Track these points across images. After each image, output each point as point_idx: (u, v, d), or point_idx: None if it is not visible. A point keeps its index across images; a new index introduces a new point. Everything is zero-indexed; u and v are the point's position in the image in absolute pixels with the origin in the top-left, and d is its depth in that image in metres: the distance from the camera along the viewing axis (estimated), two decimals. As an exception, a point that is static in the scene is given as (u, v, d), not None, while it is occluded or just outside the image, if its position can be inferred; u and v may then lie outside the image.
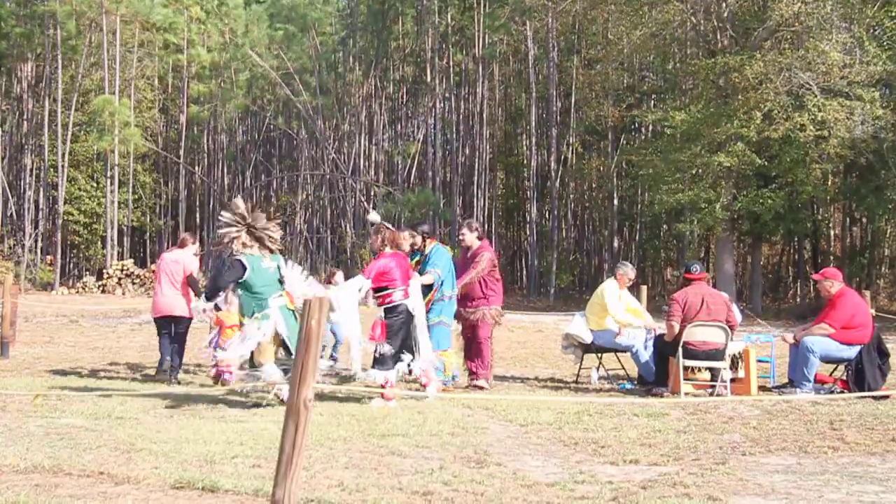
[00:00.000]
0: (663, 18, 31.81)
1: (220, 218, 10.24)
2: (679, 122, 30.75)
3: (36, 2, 41.76)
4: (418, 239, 11.50)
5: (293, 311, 9.74)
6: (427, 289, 10.97)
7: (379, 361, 9.98)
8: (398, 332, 10.00)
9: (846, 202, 39.67)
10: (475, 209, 44.42)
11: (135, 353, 15.91)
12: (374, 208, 44.85)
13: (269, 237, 10.01)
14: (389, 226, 10.39)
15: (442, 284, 11.17)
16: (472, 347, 11.72)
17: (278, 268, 9.96)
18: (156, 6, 41.04)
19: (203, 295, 10.34)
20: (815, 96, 28.41)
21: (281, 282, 9.94)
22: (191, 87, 45.61)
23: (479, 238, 12.03)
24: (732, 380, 11.18)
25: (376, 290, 10.10)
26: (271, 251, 10.06)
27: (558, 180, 43.54)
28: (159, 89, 49.19)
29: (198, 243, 12.66)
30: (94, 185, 44.29)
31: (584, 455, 7.46)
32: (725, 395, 10.75)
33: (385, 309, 10.06)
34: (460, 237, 12.14)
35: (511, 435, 8.39)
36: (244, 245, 9.84)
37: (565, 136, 45.08)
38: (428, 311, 10.82)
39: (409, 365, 10.11)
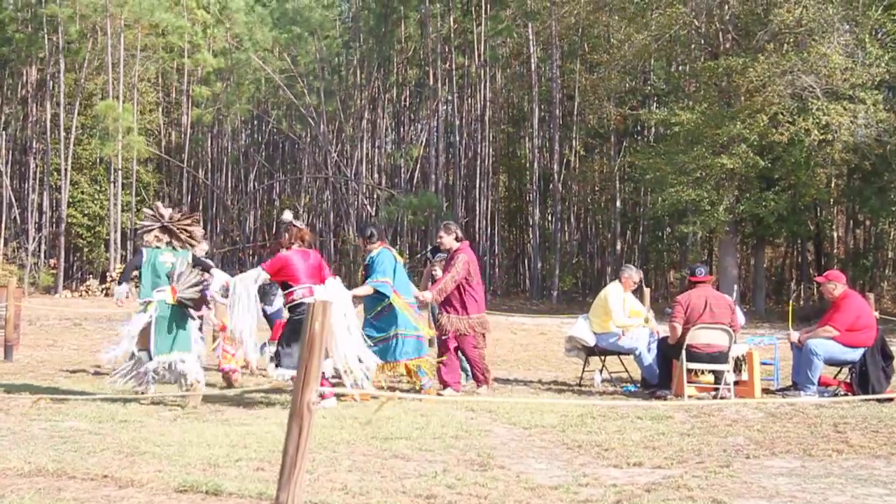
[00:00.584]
0: (665, 21, 31.82)
1: (143, 214, 11.17)
2: (684, 120, 30.74)
3: (38, 5, 41.70)
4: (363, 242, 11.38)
5: (173, 305, 10.35)
6: (379, 297, 10.87)
7: (279, 360, 9.98)
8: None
9: (849, 204, 39.67)
10: (478, 212, 44.43)
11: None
12: (376, 211, 44.95)
13: (183, 230, 10.76)
14: (298, 223, 10.50)
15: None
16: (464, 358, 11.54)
17: (174, 265, 10.53)
18: (158, 10, 41.03)
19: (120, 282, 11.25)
20: (818, 99, 28.41)
21: (171, 277, 10.47)
22: (194, 91, 45.65)
23: (458, 240, 11.55)
24: (736, 382, 11.18)
25: (282, 286, 10.25)
26: (187, 246, 10.80)
27: (561, 183, 43.55)
28: (162, 92, 49.21)
29: (207, 243, 12.58)
30: (97, 188, 44.30)
31: (588, 458, 7.46)
32: (729, 398, 10.75)
33: (288, 307, 10.16)
34: (438, 240, 11.92)
35: (514, 438, 8.38)
36: (156, 238, 10.65)
37: (568, 138, 45.08)
38: (378, 321, 10.87)
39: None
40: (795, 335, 11.44)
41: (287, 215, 10.77)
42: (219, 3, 45.45)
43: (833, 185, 34.45)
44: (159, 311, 10.28)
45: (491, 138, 46.61)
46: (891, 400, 10.43)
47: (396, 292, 10.82)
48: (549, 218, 46.01)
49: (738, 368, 11.32)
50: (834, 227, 42.21)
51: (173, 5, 42.80)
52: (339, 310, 9.78)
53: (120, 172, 41.42)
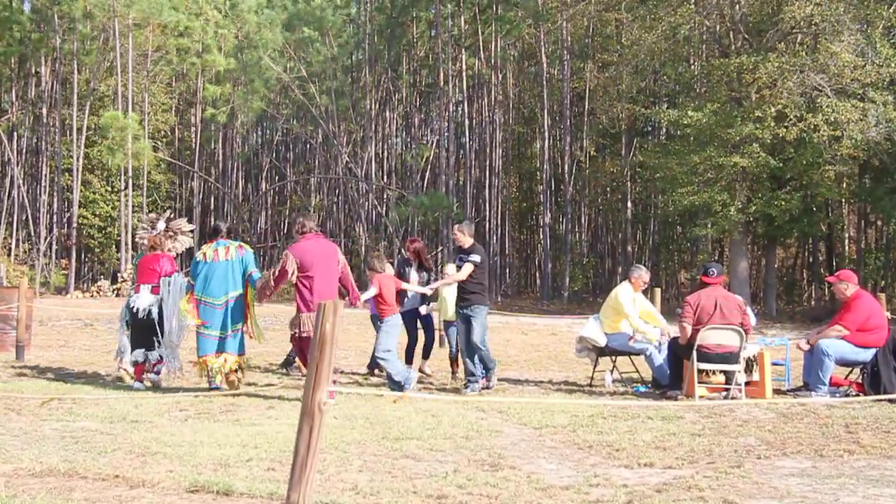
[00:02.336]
0: (676, 21, 31.74)
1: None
2: (695, 120, 30.65)
3: (51, 6, 41.74)
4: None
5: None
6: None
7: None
8: (134, 327, 11.90)
9: (861, 204, 39.55)
10: (488, 212, 44.43)
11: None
12: (386, 212, 44.97)
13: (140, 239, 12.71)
14: (153, 232, 12.32)
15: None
16: None
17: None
18: (166, 10, 41.03)
19: None
20: (828, 97, 28.32)
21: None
22: (206, 90, 45.67)
23: (302, 232, 10.91)
24: (747, 383, 11.15)
25: None
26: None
27: (572, 183, 43.51)
28: (175, 93, 49.28)
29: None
30: (109, 188, 44.44)
31: (599, 458, 7.45)
32: (740, 399, 10.72)
33: None
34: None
35: (525, 438, 8.38)
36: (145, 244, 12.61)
37: (578, 139, 45.03)
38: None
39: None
40: (805, 344, 11.38)
41: (160, 224, 12.45)
42: (228, 2, 45.47)
43: (844, 184, 34.30)
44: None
45: (501, 139, 46.59)
46: (902, 400, 10.40)
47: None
48: (560, 218, 45.98)
49: (749, 369, 11.29)
50: (845, 227, 42.08)
51: (186, 5, 42.81)
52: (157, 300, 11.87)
53: (131, 174, 41.51)
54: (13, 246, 42.75)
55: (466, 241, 11.81)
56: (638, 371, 12.78)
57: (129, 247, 41.36)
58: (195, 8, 43.44)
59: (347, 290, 10.97)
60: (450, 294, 12.66)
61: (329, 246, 10.93)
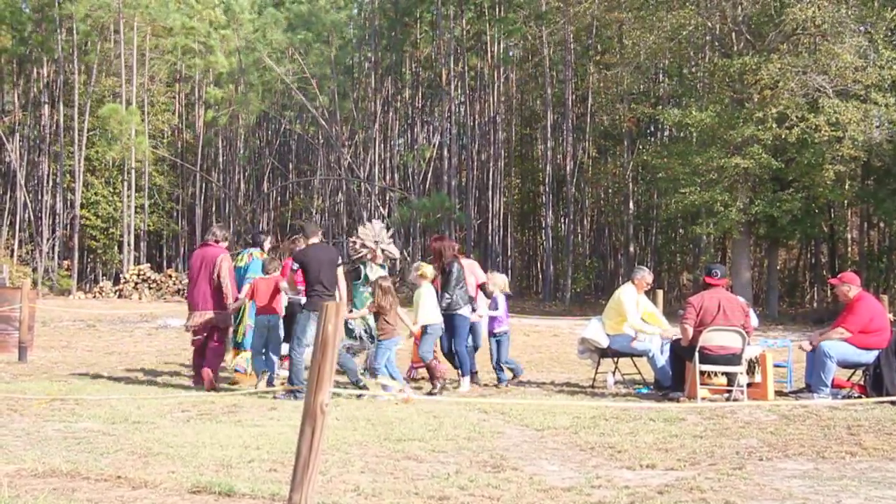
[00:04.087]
0: (678, 22, 31.72)
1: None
2: (698, 120, 30.63)
3: (52, 7, 41.77)
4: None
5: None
6: None
7: None
8: None
9: (864, 206, 39.51)
10: (490, 213, 44.41)
11: (152, 357, 15.96)
12: (388, 213, 44.95)
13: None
14: (298, 236, 12.98)
15: None
16: None
17: None
18: (171, 13, 41.09)
19: None
20: (830, 98, 28.31)
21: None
22: (207, 93, 45.71)
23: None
24: (749, 384, 11.13)
25: None
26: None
27: (574, 184, 43.48)
28: (176, 94, 49.29)
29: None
30: (111, 189, 44.44)
31: (601, 460, 7.45)
32: (742, 400, 10.70)
33: None
34: None
35: (527, 439, 8.38)
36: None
37: (581, 140, 45.01)
38: None
39: None
40: (808, 345, 11.36)
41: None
42: (223, 5, 45.50)
43: (847, 186, 34.26)
44: None
45: (503, 140, 46.57)
46: (905, 402, 10.38)
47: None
48: (562, 220, 45.97)
49: (751, 370, 11.27)
50: (848, 228, 42.02)
51: (182, 6, 42.86)
52: None
53: (133, 174, 41.52)
54: (16, 247, 42.79)
55: (307, 242, 11.88)
56: (640, 372, 12.77)
57: (132, 247, 41.44)
58: (190, 10, 43.48)
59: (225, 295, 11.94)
60: (424, 298, 11.81)
61: (207, 254, 12.04)
